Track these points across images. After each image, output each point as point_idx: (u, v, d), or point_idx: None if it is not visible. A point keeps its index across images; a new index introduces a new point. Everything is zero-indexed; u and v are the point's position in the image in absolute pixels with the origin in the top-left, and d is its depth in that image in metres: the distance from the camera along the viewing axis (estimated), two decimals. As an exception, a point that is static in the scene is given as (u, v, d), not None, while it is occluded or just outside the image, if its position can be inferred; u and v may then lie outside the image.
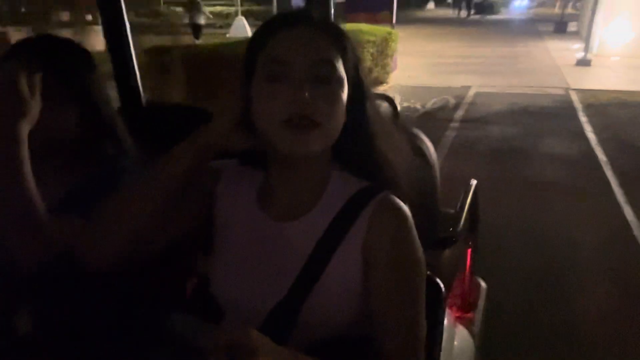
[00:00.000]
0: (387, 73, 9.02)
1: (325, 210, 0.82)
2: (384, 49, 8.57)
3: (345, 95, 0.79)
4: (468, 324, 1.57)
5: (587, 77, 9.57)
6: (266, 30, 0.80)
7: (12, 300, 1.07)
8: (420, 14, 31.94)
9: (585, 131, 5.98)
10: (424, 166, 1.23)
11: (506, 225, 3.42)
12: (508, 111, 7.01)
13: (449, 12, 33.79)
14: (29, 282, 1.00)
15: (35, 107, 0.93)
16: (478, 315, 1.68)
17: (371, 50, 7.84)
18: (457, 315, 1.56)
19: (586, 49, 11.19)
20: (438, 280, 1.05)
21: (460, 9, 31.02)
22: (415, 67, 10.52)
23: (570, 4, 29.50)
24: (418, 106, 7.20)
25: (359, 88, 0.83)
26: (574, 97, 7.84)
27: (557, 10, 30.55)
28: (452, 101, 7.52)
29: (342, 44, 0.80)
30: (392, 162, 0.85)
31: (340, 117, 0.79)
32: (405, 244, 0.79)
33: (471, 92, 8.23)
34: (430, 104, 7.33)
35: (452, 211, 1.53)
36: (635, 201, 3.88)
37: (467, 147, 5.34)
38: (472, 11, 30.74)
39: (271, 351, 0.61)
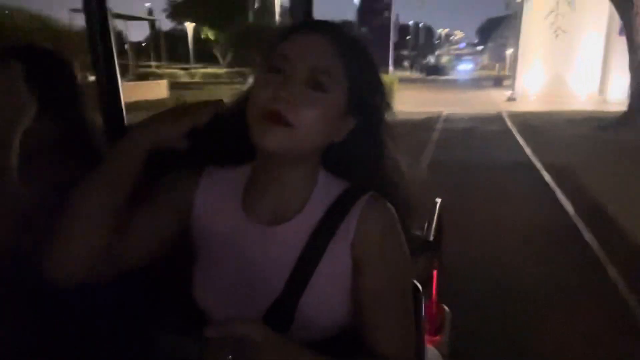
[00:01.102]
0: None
1: (313, 212, 0.82)
2: (389, 90, 14.06)
3: (337, 111, 0.78)
4: (438, 345, 1.58)
5: (512, 105, 15.50)
6: (284, 31, 0.82)
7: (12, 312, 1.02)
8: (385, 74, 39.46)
9: (507, 124, 11.44)
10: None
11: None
12: (467, 120, 12.48)
13: (407, 73, 41.78)
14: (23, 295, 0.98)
15: (31, 111, 0.93)
16: (445, 338, 1.67)
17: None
18: (427, 336, 1.49)
19: (513, 90, 17.26)
20: (415, 282, 1.05)
21: (415, 70, 38.77)
22: (404, 102, 16.08)
23: (507, 66, 37.09)
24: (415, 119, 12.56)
25: (369, 115, 0.83)
26: (504, 114, 13.44)
27: (495, 72, 38.38)
28: (434, 117, 12.97)
29: (350, 58, 0.79)
30: (389, 171, 0.86)
31: (322, 127, 0.77)
32: (393, 243, 0.80)
33: (444, 114, 13.70)
34: (422, 118, 12.73)
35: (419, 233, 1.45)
36: (530, 141, 9.16)
37: (448, 132, 10.61)
38: (425, 72, 38.67)
39: (276, 344, 0.62)
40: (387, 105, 0.86)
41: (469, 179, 5.99)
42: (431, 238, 1.47)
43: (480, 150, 8.16)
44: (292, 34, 0.80)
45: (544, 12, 14.31)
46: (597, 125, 10.38)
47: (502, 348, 2.42)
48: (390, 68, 16.31)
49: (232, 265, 0.84)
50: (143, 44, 38.29)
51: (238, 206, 0.86)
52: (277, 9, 27.76)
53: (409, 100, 16.45)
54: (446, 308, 1.74)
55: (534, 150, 7.85)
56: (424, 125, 10.79)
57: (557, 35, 13.97)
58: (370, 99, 0.82)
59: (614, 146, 8.24)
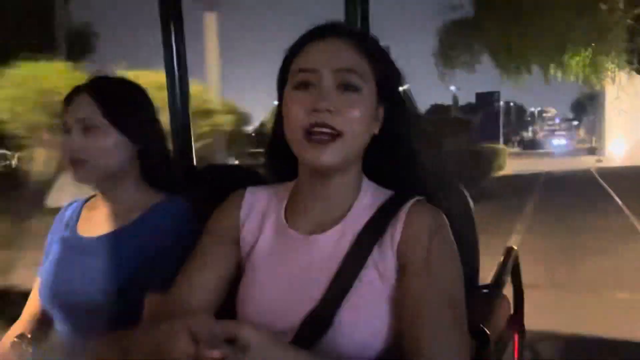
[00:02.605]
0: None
1: (356, 220, 0.82)
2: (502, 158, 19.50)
3: (373, 106, 0.80)
4: None
5: (599, 165, 20.32)
6: (298, 43, 0.82)
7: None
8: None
9: (593, 174, 16.34)
10: (465, 217, 1.14)
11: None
12: (563, 173, 17.53)
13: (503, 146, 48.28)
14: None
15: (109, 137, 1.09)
16: None
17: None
18: None
19: (600, 155, 22.14)
20: (486, 329, 0.94)
21: (510, 145, 44.12)
22: (514, 166, 21.39)
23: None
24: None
25: (394, 101, 0.84)
26: (592, 169, 18.32)
27: (587, 145, 42.54)
28: (539, 172, 18.18)
29: (372, 55, 0.80)
30: (427, 177, 0.85)
31: (365, 126, 0.79)
32: (441, 247, 0.77)
33: (545, 171, 18.81)
34: (530, 174, 17.98)
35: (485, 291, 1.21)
36: (606, 181, 14.14)
37: (550, 179, 15.73)
38: (521, 147, 44.02)
39: (266, 346, 0.59)
40: (407, 96, 0.85)
41: (563, 201, 11.01)
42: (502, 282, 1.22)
43: (573, 187, 13.29)
44: (303, 45, 0.81)
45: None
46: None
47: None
48: (501, 144, 22.10)
49: (273, 275, 0.83)
50: None
51: (281, 219, 0.87)
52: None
53: (517, 165, 21.79)
54: None
55: (609, 185, 12.78)
56: (532, 177, 16.09)
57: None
58: (394, 85, 0.84)
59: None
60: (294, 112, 0.78)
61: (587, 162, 22.49)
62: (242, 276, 0.88)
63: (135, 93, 1.17)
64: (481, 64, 15.44)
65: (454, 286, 0.76)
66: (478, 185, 11.54)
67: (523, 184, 13.94)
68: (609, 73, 13.66)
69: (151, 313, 0.93)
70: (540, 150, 43.88)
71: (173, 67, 1.53)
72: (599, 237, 6.16)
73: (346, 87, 0.78)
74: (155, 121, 1.18)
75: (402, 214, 0.80)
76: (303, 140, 0.77)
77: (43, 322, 1.17)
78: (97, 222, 1.15)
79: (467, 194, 1.18)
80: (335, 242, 0.82)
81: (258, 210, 0.90)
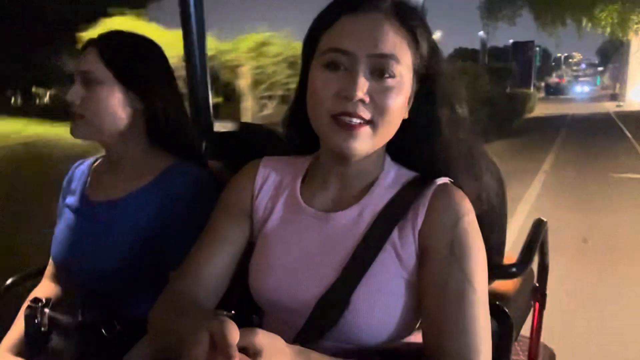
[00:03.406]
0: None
1: (376, 200, 0.78)
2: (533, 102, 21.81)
3: (408, 91, 0.74)
4: None
5: (619, 109, 22.62)
6: (333, 10, 0.74)
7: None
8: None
9: (612, 116, 18.74)
10: (496, 193, 1.04)
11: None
12: (587, 114, 19.96)
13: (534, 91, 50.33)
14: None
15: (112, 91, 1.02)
16: None
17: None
18: None
19: (621, 101, 24.32)
20: (507, 310, 0.93)
21: (538, 90, 45.67)
22: (542, 109, 23.69)
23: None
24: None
25: (433, 86, 0.77)
26: (611, 112, 20.64)
27: (610, 91, 44.04)
28: (565, 114, 20.58)
29: (413, 35, 0.73)
30: (459, 166, 0.79)
31: (398, 113, 0.73)
32: (467, 233, 0.72)
33: (570, 113, 21.17)
34: (558, 114, 20.37)
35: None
36: (621, 121, 16.61)
37: (575, 119, 18.17)
38: (545, 92, 45.87)
39: (278, 351, 0.56)
40: (443, 70, 0.78)
41: (585, 136, 13.48)
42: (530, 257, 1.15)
43: (594, 125, 15.78)
44: (337, 17, 0.72)
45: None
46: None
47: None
48: (532, 89, 24.44)
49: (288, 252, 0.79)
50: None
51: (296, 194, 0.83)
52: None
53: (544, 108, 24.13)
54: (551, 348, 1.48)
55: (623, 124, 15.25)
56: (559, 118, 18.57)
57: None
58: (431, 64, 0.76)
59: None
60: (321, 95, 0.71)
61: (609, 107, 24.74)
62: (254, 249, 0.84)
63: (146, 48, 1.09)
64: (521, 17, 17.57)
65: (476, 275, 0.70)
66: (512, 124, 14.22)
67: (552, 124, 16.42)
68: (634, 27, 15.70)
69: (168, 288, 0.83)
70: (563, 97, 45.54)
71: (190, 20, 1.41)
72: (610, 156, 8.91)
73: (381, 74, 0.70)
74: (167, 79, 1.09)
75: (426, 198, 0.75)
76: (330, 123, 0.71)
77: (60, 286, 1.17)
78: (107, 186, 1.10)
79: (499, 168, 1.09)
80: (353, 221, 0.77)
81: (272, 183, 0.86)
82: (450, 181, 0.78)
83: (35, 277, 1.22)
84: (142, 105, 1.05)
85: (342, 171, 0.80)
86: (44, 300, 1.05)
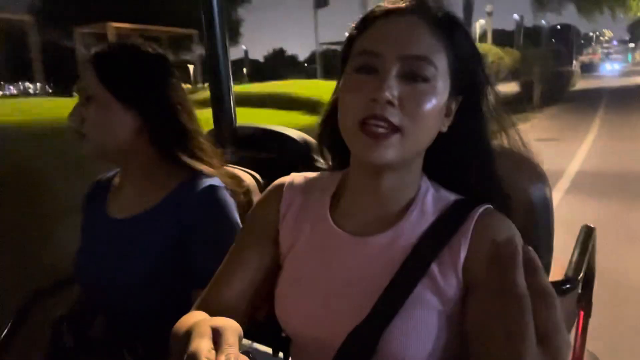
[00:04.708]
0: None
1: (414, 224, 0.73)
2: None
3: (443, 99, 0.70)
4: None
5: None
6: (364, 19, 0.73)
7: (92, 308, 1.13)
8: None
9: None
10: (540, 199, 1.02)
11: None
12: (618, 87, 23.68)
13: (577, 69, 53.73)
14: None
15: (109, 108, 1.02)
16: None
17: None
18: None
19: None
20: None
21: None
22: (581, 84, 27.30)
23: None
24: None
25: (472, 92, 0.73)
26: (642, 86, 24.37)
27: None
28: (602, 88, 24.34)
29: (450, 38, 0.70)
30: (501, 181, 0.75)
31: (432, 121, 0.69)
32: (516, 268, 0.60)
33: (606, 86, 24.84)
34: (595, 88, 24.11)
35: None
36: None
37: (610, 92, 21.90)
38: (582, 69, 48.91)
39: None
40: (488, 79, 0.74)
41: (622, 102, 16.31)
42: (581, 268, 1.12)
43: (628, 94, 19.40)
44: (372, 22, 0.71)
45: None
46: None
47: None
48: (572, 67, 28.25)
49: (316, 279, 0.75)
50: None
51: (324, 215, 0.78)
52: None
53: (583, 84, 27.83)
54: (597, 357, 1.42)
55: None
56: (598, 90, 22.21)
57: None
58: (473, 72, 0.73)
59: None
60: (349, 99, 0.69)
61: (638, 81, 28.31)
62: (280, 274, 0.80)
63: (145, 62, 1.04)
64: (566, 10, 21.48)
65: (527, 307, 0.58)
66: (563, 95, 18.42)
67: (594, 94, 20.16)
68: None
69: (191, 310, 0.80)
70: (596, 74, 48.52)
71: (213, 25, 1.45)
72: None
73: (413, 77, 0.67)
74: (166, 90, 1.05)
75: (469, 225, 0.70)
76: (357, 130, 0.67)
77: (84, 304, 1.18)
78: (124, 203, 1.11)
79: (548, 181, 1.03)
80: (386, 247, 0.72)
81: (300, 203, 0.81)
82: (491, 206, 0.72)
83: (59, 292, 1.24)
84: (142, 119, 1.03)
85: (373, 188, 0.74)
86: (68, 318, 1.08)
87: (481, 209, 0.72)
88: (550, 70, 15.97)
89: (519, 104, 12.35)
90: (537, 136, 8.86)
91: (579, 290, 1.19)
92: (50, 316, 1.10)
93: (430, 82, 0.68)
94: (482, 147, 0.75)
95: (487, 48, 13.74)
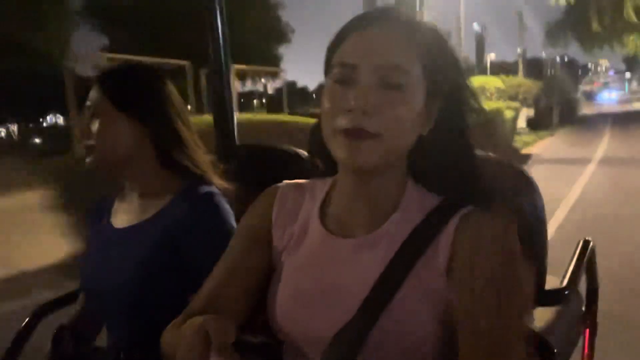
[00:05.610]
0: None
1: (400, 225, 0.75)
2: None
3: (419, 104, 0.72)
4: None
5: None
6: (342, 31, 0.76)
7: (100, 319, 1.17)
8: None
9: None
10: (530, 208, 1.03)
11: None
12: (620, 111, 27.44)
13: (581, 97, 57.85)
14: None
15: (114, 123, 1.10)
16: None
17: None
18: None
19: None
20: (548, 340, 0.89)
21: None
22: (584, 110, 31.00)
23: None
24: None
25: (451, 96, 0.76)
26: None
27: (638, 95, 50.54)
28: (603, 113, 28.10)
29: (423, 48, 0.72)
30: (485, 182, 0.77)
31: (409, 126, 0.72)
32: (504, 266, 0.68)
33: (608, 112, 28.57)
34: (598, 114, 27.84)
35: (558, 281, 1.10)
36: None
37: (613, 116, 25.47)
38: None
39: None
40: (466, 84, 0.77)
41: (625, 124, 19.82)
42: (577, 279, 1.10)
43: (630, 118, 22.70)
44: (348, 34, 0.74)
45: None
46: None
47: None
48: (577, 95, 31.89)
49: (305, 281, 0.78)
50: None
51: (315, 219, 0.81)
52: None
53: (587, 109, 31.54)
54: None
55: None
56: (603, 114, 25.84)
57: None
58: (450, 78, 0.75)
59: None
60: (329, 109, 0.72)
61: (637, 107, 32.08)
62: (272, 277, 0.82)
63: (144, 77, 1.15)
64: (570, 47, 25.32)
65: (518, 313, 0.66)
66: (573, 118, 22.25)
67: (599, 117, 23.65)
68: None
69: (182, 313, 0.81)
70: (595, 102, 52.43)
71: (216, 37, 1.47)
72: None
73: (388, 85, 0.70)
74: (166, 103, 1.13)
75: (453, 226, 0.72)
76: (337, 135, 0.71)
77: (88, 313, 1.21)
78: (127, 212, 1.16)
79: (538, 188, 1.05)
80: (373, 248, 0.75)
81: (291, 209, 0.84)
82: (478, 206, 0.74)
83: (66, 304, 1.26)
84: (145, 131, 1.10)
85: (359, 191, 0.77)
86: (70, 328, 1.12)
87: (465, 210, 0.73)
88: (565, 97, 19.89)
89: (542, 124, 16.63)
90: (566, 143, 12.56)
91: (583, 308, 1.20)
92: (53, 328, 1.14)
93: (404, 89, 0.70)
94: (463, 150, 0.77)
95: (521, 81, 17.09)
